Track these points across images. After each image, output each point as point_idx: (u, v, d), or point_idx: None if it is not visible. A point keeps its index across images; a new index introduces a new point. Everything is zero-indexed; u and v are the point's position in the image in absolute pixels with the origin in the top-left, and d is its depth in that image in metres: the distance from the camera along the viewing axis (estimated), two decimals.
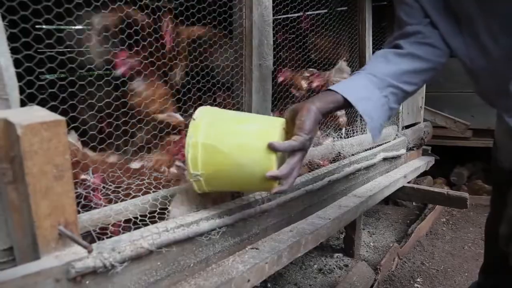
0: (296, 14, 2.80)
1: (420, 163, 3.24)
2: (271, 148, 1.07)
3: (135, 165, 1.41)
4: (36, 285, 0.88)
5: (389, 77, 1.17)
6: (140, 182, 1.30)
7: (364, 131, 2.64)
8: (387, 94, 1.17)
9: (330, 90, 1.16)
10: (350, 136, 2.51)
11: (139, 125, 1.46)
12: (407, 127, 3.27)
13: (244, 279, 1.32)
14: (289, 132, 1.18)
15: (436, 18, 1.22)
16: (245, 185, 1.25)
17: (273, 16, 1.80)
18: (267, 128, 1.14)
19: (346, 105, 1.15)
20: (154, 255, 1.15)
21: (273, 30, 1.79)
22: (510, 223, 1.06)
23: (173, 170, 1.47)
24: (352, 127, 2.59)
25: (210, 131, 1.14)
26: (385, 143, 2.86)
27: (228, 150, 1.12)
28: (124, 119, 1.34)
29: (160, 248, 1.15)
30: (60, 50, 1.18)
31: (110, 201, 1.24)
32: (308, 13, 2.92)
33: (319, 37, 2.85)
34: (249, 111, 1.76)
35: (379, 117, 1.16)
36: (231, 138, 1.13)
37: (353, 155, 2.39)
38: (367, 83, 1.16)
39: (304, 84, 2.43)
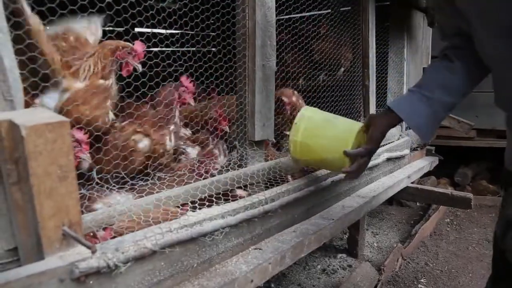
0: (299, 15, 2.80)
1: (424, 163, 3.23)
2: (345, 153, 1.55)
3: None
4: (40, 285, 0.89)
5: (440, 94, 1.33)
6: None
7: None
8: (437, 109, 1.34)
9: (390, 109, 1.41)
10: None
11: None
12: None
13: (248, 279, 1.32)
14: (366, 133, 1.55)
15: (476, 25, 1.20)
16: (326, 168, 1.93)
17: (276, 16, 1.80)
18: (346, 135, 1.60)
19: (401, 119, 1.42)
20: (157, 256, 1.15)
21: (276, 31, 1.80)
22: (505, 223, 1.15)
23: None
24: None
25: (305, 133, 1.69)
26: (389, 143, 2.86)
27: (316, 148, 1.67)
28: None
29: (164, 249, 1.15)
30: None
31: None
32: (311, 13, 2.92)
33: (323, 40, 2.86)
34: (252, 111, 1.76)
35: (427, 129, 1.37)
36: (319, 139, 1.67)
37: None
38: (419, 103, 1.36)
39: None
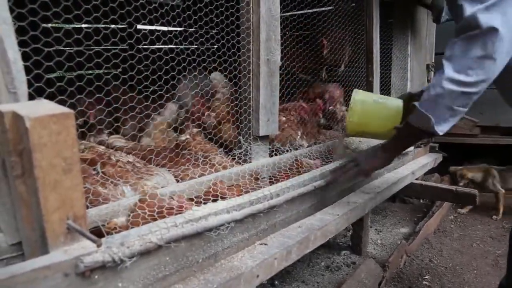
0: (304, 11, 2.79)
1: (428, 160, 3.21)
2: (395, 128, 1.84)
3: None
4: (45, 279, 0.87)
5: None
6: None
7: None
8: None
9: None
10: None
11: None
12: None
13: (254, 274, 1.31)
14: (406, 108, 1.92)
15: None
16: (376, 138, 2.23)
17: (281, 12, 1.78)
18: (396, 113, 1.95)
19: None
20: (162, 250, 1.14)
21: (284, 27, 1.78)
22: None
23: None
24: None
25: (361, 114, 2.03)
26: None
27: (372, 126, 2.03)
28: None
29: (169, 243, 1.14)
30: None
31: None
32: (315, 10, 2.90)
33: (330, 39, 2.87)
34: (257, 106, 1.74)
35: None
36: (374, 120, 2.01)
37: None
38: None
39: None
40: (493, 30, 1.23)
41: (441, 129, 1.44)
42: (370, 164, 1.76)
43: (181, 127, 1.97)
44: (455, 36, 1.34)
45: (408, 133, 1.62)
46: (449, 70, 1.33)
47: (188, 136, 1.88)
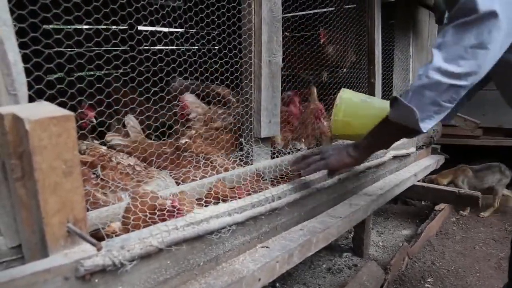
0: (311, 11, 2.78)
1: (430, 161, 3.20)
2: None
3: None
4: (45, 283, 0.87)
5: None
6: None
7: None
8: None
9: None
10: None
11: None
12: None
13: (255, 278, 1.30)
14: None
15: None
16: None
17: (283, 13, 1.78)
18: (383, 113, 1.57)
19: None
20: (163, 254, 1.13)
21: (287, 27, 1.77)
22: None
23: None
24: None
25: (346, 112, 1.98)
26: None
27: (357, 125, 1.95)
28: None
29: (170, 246, 1.13)
30: None
31: None
32: (317, 11, 2.90)
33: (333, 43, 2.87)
34: (258, 108, 1.74)
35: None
36: (359, 118, 1.95)
37: None
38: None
39: None
40: (491, 16, 1.10)
41: (425, 126, 1.27)
42: (338, 161, 1.56)
43: (182, 128, 1.96)
44: (447, 23, 1.20)
45: (386, 130, 1.45)
46: (438, 59, 1.19)
47: (187, 139, 1.87)
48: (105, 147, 1.69)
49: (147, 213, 1.16)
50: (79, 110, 1.76)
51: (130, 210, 1.17)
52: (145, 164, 1.58)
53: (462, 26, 1.15)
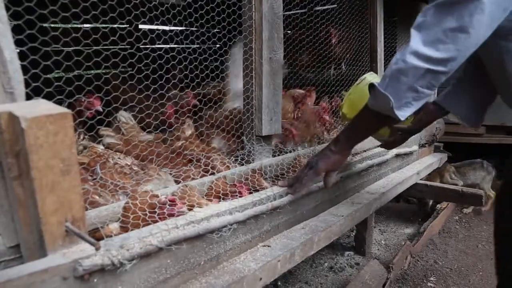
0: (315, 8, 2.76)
1: (433, 159, 3.18)
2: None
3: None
4: (43, 283, 0.85)
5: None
6: None
7: None
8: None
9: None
10: None
11: None
12: None
13: (256, 277, 1.28)
14: None
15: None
16: None
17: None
18: None
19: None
20: (163, 253, 1.12)
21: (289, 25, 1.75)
22: None
23: None
24: None
25: (358, 92, 1.90)
26: None
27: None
28: None
29: (170, 246, 1.12)
30: None
31: None
32: (318, 8, 2.88)
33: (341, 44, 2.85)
34: (259, 105, 1.72)
35: (470, 116, 1.60)
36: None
37: (365, 151, 2.34)
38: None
39: None
40: None
41: (402, 114, 1.20)
42: (325, 161, 1.50)
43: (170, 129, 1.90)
44: (430, 3, 1.12)
45: (365, 118, 1.38)
46: (415, 41, 1.11)
47: (183, 141, 1.84)
48: (102, 147, 1.67)
49: (146, 212, 1.15)
50: (87, 100, 1.73)
51: (129, 209, 1.16)
52: (142, 163, 1.56)
53: (443, 7, 1.09)
